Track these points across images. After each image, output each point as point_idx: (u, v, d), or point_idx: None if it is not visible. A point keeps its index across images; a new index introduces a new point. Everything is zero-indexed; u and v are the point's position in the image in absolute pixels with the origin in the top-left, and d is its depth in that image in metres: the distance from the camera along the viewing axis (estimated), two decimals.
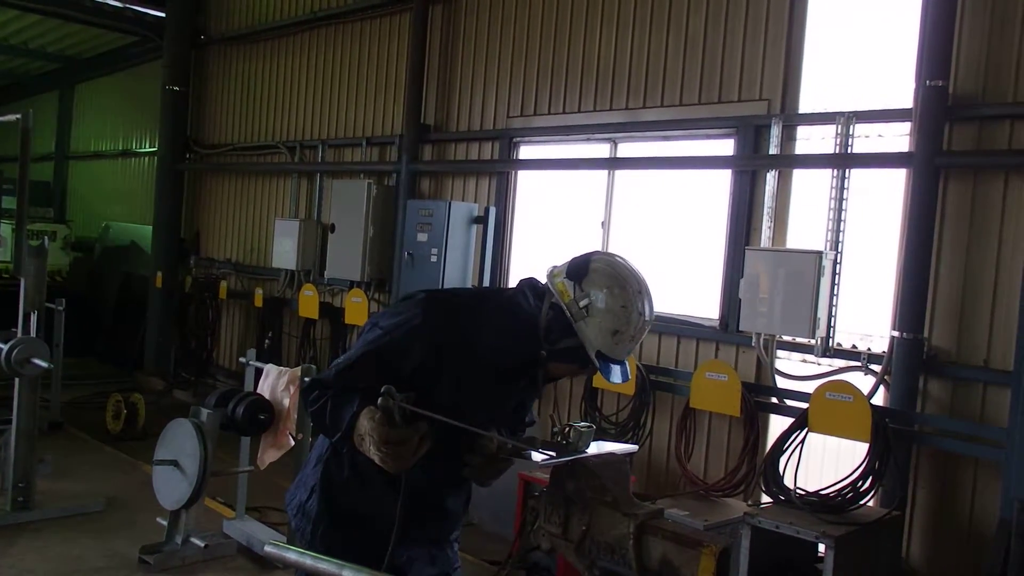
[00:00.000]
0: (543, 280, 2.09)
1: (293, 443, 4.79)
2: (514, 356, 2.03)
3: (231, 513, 5.22)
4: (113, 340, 10.59)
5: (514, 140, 6.47)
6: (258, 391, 4.96)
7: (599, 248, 5.83)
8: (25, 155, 5.43)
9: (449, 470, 2.14)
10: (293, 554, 1.76)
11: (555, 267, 2.04)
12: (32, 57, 13.31)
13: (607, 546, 1.80)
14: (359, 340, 2.10)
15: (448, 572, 2.29)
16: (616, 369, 1.99)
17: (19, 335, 5.05)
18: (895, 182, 4.52)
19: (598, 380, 5.30)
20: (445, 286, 6.19)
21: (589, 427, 1.98)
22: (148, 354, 9.70)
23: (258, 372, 5.14)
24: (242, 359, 5.34)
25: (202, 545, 4.69)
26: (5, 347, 4.92)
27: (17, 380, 5.06)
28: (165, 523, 4.73)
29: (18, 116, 5.42)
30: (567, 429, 1.97)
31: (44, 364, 4.97)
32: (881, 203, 4.64)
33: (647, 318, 2.00)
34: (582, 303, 1.94)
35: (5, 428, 5.29)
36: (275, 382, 4.90)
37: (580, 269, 1.98)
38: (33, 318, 5.11)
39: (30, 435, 5.15)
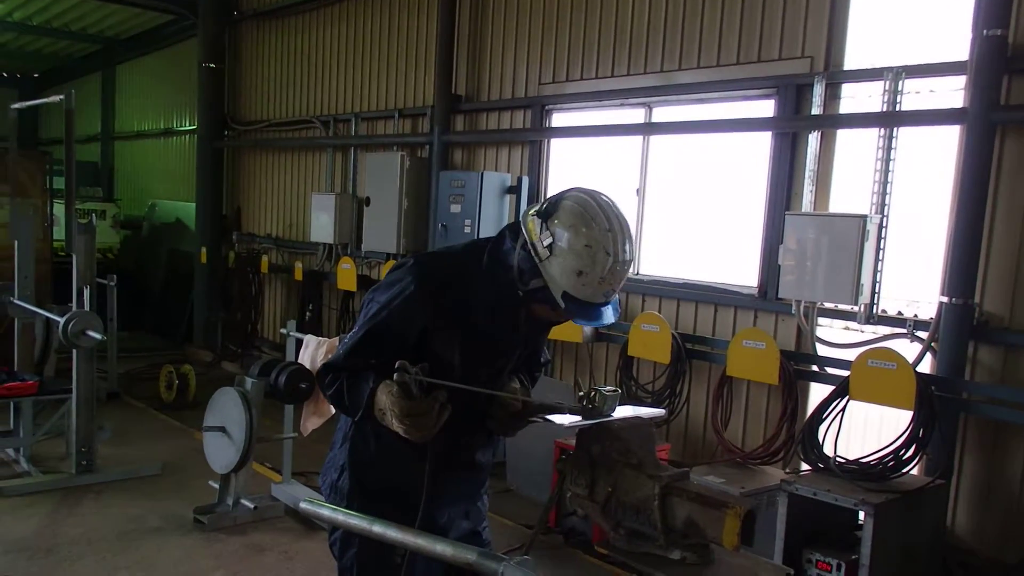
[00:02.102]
0: None
1: (334, 411, 4.90)
2: (502, 301, 2.00)
3: (278, 477, 5.40)
4: (162, 314, 10.92)
5: (546, 108, 6.39)
6: (299, 361, 5.07)
7: (635, 213, 5.78)
8: (69, 135, 5.57)
9: (475, 426, 2.15)
10: (327, 510, 1.82)
11: (532, 205, 2.00)
12: (74, 39, 13.61)
13: (632, 507, 1.81)
14: (360, 317, 2.11)
15: (477, 529, 2.32)
16: (591, 311, 1.90)
17: (74, 309, 5.26)
18: (948, 140, 4.30)
19: (633, 348, 5.28)
20: None
21: (615, 391, 1.97)
22: (196, 327, 9.99)
23: (299, 343, 5.26)
24: (283, 330, 5.46)
25: (252, 507, 4.90)
26: (62, 320, 5.15)
27: (75, 352, 5.29)
28: (217, 486, 4.95)
29: (61, 97, 5.55)
30: (593, 393, 1.97)
31: (98, 336, 5.18)
32: (931, 163, 4.44)
33: (619, 259, 1.87)
34: (546, 242, 1.87)
35: (66, 397, 5.56)
36: (315, 352, 5.01)
37: (550, 207, 1.91)
38: (86, 292, 5.31)
39: (90, 404, 5.40)
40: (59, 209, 8.79)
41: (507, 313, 2.03)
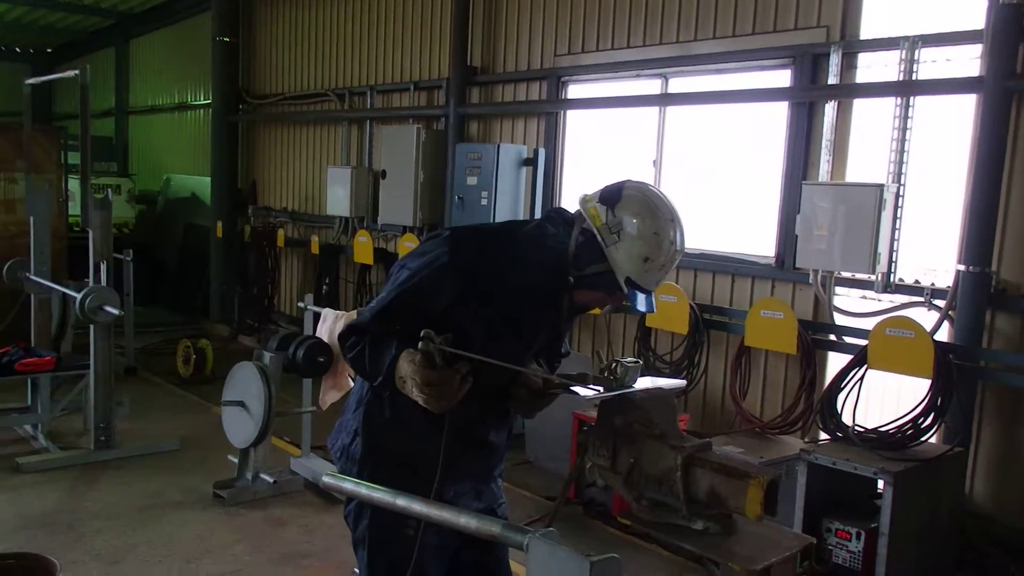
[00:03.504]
0: (571, 211, 2.10)
1: (352, 384, 4.92)
2: (542, 285, 2.03)
3: (297, 451, 5.45)
4: (178, 289, 11.00)
5: (562, 79, 6.34)
6: (317, 335, 5.10)
7: (652, 184, 5.74)
8: (85, 110, 5.54)
9: (492, 405, 2.16)
10: (349, 484, 1.84)
11: (587, 194, 2.05)
12: (87, 13, 13.52)
13: (655, 478, 1.83)
14: (390, 283, 2.10)
15: (493, 507, 2.31)
16: (643, 297, 1.99)
17: (91, 284, 5.28)
18: (964, 109, 4.28)
19: (651, 319, 5.28)
20: None
21: (636, 362, 1.98)
22: (213, 301, 10.06)
23: (316, 316, 5.28)
24: (300, 304, 5.49)
25: (271, 481, 4.92)
26: (79, 295, 5.16)
27: (92, 327, 5.31)
28: (236, 460, 4.97)
29: (76, 72, 5.53)
30: (614, 365, 1.98)
31: (115, 311, 5.19)
32: (948, 132, 4.41)
33: (678, 247, 1.99)
34: (614, 228, 1.94)
35: (84, 373, 5.60)
36: (332, 326, 5.02)
37: (614, 195, 1.99)
38: (103, 268, 5.31)
39: (107, 379, 5.43)
40: (74, 184, 8.81)
41: (544, 297, 2.06)
